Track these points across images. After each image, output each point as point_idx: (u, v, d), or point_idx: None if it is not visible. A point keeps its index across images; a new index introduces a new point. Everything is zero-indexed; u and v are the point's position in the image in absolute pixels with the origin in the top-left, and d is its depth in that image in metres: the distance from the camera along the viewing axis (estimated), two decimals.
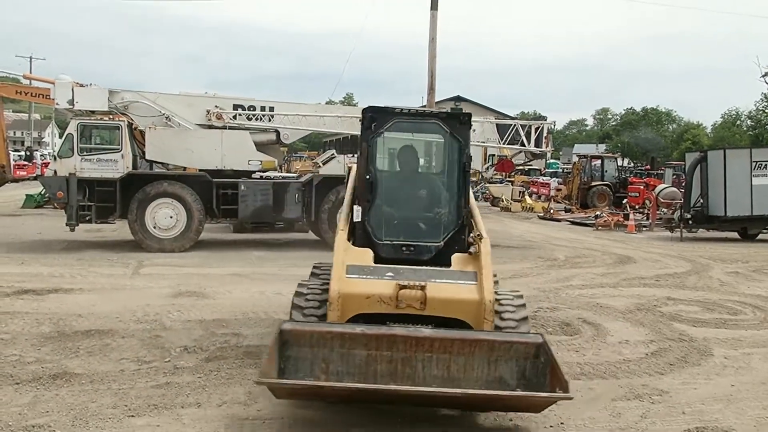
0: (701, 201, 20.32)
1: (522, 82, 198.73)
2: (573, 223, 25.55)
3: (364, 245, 6.29)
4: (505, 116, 50.15)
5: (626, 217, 24.12)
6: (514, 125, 18.19)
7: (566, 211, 30.11)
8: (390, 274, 5.96)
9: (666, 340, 8.42)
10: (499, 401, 5.36)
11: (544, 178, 41.05)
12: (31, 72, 42.18)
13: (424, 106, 23.55)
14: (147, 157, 15.74)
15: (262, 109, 16.55)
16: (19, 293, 10.01)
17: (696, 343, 8.30)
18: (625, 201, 28.98)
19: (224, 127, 16.04)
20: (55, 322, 8.35)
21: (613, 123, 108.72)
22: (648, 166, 44.96)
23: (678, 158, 54.86)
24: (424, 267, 6.10)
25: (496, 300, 5.93)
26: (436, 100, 24.59)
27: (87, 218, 14.98)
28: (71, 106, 15.36)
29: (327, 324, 5.77)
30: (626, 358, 7.63)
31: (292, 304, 6.18)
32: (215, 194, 15.43)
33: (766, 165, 20.02)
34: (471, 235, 6.34)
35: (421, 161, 7.11)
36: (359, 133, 6.70)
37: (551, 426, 5.60)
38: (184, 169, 16.21)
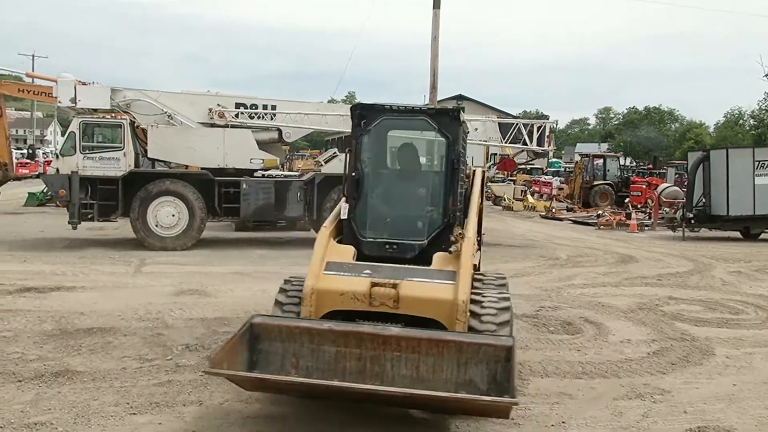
0: (704, 200, 20.29)
1: (524, 81, 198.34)
2: (575, 222, 25.52)
3: (351, 242, 6.31)
4: (508, 115, 50.11)
5: (628, 216, 24.09)
6: (517, 124, 18.16)
7: (568, 210, 30.09)
8: (368, 271, 5.97)
9: (668, 340, 8.41)
10: (450, 403, 5.07)
11: (546, 177, 41.02)
12: (33, 70, 42.27)
13: (427, 105, 23.52)
14: (149, 155, 15.76)
15: (264, 107, 16.55)
16: (21, 291, 10.03)
17: (698, 343, 8.29)
18: (627, 200, 28.96)
19: (226, 126, 16.05)
20: (57, 320, 8.36)
21: (616, 122, 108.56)
22: (650, 166, 44.89)
23: (680, 157, 54.77)
24: (404, 265, 6.02)
25: (478, 302, 5.82)
26: (438, 99, 24.55)
27: (89, 216, 15.01)
28: (74, 105, 15.37)
29: (296, 319, 5.84)
30: (628, 357, 7.63)
31: (275, 300, 6.28)
32: (217, 192, 15.45)
33: None
34: (453, 233, 6.18)
35: (410, 158, 6.95)
36: None
37: (552, 425, 5.60)
38: (186, 167, 16.22)
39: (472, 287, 6.12)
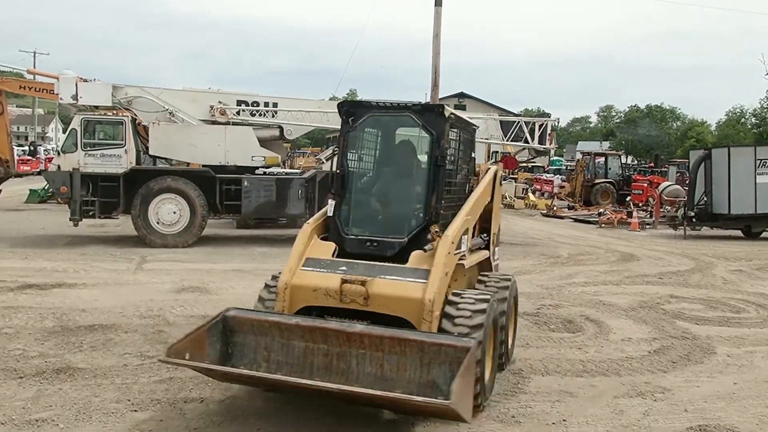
0: (705, 199, 20.29)
1: (525, 79, 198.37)
2: (576, 220, 25.53)
3: (335, 239, 6.32)
4: (509, 113, 50.03)
5: (629, 214, 24.09)
6: (518, 122, 18.16)
7: (569, 208, 30.09)
8: (343, 268, 5.96)
9: (669, 338, 8.41)
10: (388, 401, 4.92)
11: (548, 175, 41.00)
12: (34, 67, 42.32)
13: (428, 103, 23.49)
14: (150, 152, 15.76)
15: (266, 104, 16.54)
16: (22, 288, 10.04)
17: (699, 341, 8.28)
18: (628, 198, 28.94)
19: (228, 123, 16.05)
20: (58, 317, 8.37)
21: (617, 120, 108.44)
22: (652, 164, 44.90)
23: (682, 156, 54.74)
24: (380, 263, 5.97)
25: (454, 303, 5.71)
26: (440, 96, 24.51)
27: (90, 213, 15.01)
28: (75, 101, 15.37)
29: (266, 313, 5.89)
30: (629, 355, 7.63)
31: (258, 296, 6.35)
32: (218, 190, 15.45)
33: None
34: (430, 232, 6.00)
35: (395, 156, 6.85)
36: None
37: (553, 423, 5.59)
38: (188, 164, 16.23)
39: (455, 288, 6.04)
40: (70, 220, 15.01)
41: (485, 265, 7.45)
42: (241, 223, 18.77)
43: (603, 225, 23.06)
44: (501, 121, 18.41)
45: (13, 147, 17.51)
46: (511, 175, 37.54)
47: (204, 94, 16.52)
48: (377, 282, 5.72)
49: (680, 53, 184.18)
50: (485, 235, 7.54)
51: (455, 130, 6.65)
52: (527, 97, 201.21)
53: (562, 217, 26.45)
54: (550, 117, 18.32)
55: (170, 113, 15.70)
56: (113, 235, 16.81)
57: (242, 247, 15.25)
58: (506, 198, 31.05)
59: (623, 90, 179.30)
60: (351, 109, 6.54)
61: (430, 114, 6.24)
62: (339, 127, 6.66)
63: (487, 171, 7.58)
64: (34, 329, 7.81)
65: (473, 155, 7.63)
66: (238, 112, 16.23)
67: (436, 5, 23.02)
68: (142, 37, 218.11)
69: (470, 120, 7.88)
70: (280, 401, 5.68)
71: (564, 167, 52.95)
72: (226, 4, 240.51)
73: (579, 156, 40.66)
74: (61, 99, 15.52)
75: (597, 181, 31.95)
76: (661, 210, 23.97)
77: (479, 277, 7.01)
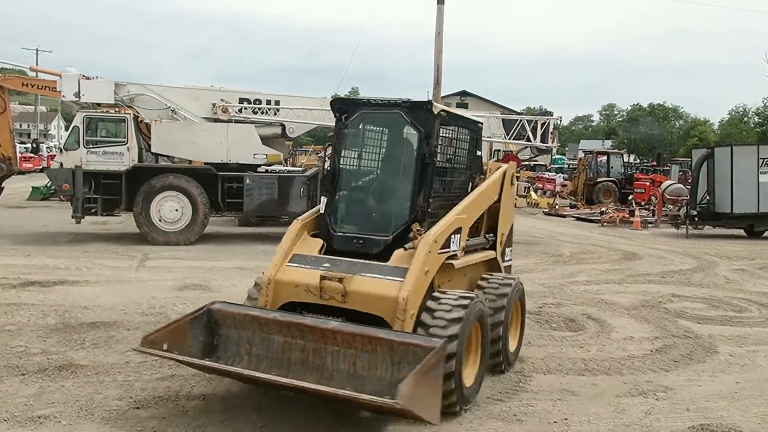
0: (708, 198, 20.26)
1: (528, 77, 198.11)
2: (578, 219, 25.52)
3: (324, 236, 6.34)
4: (512, 111, 49.96)
5: (632, 213, 24.07)
6: (520, 120, 18.13)
7: (571, 207, 30.07)
8: (326, 264, 5.98)
9: (671, 337, 8.40)
10: (347, 400, 4.86)
11: (550, 173, 40.95)
12: (37, 64, 42.28)
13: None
14: (152, 150, 15.78)
15: (268, 102, 16.54)
16: (25, 285, 10.05)
17: (701, 340, 8.28)
18: (630, 197, 28.93)
19: (230, 121, 16.06)
20: (60, 314, 8.38)
21: (620, 119, 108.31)
22: (654, 163, 44.80)
23: (684, 155, 54.65)
24: (363, 261, 5.96)
25: (429, 308, 5.57)
26: (442, 94, 24.51)
27: (93, 211, 15.04)
28: (77, 99, 15.39)
29: (248, 307, 5.99)
30: (631, 354, 7.62)
31: (247, 293, 6.41)
32: (220, 188, 15.46)
33: None
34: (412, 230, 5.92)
35: (385, 153, 6.79)
36: None
37: (555, 422, 5.59)
38: (190, 162, 16.24)
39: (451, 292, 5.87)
40: (73, 217, 15.03)
41: (493, 266, 7.31)
42: (243, 221, 18.78)
43: (605, 224, 23.05)
44: (503, 120, 18.39)
45: (16, 144, 17.53)
46: None
47: (206, 92, 16.53)
48: (355, 279, 5.73)
49: (683, 52, 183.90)
50: (491, 234, 7.34)
51: (450, 127, 6.57)
52: (530, 96, 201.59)
53: (564, 216, 26.43)
54: (552, 115, 18.30)
55: (172, 111, 15.70)
56: (115, 232, 16.83)
57: (244, 245, 15.26)
58: None
59: (626, 88, 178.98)
60: (343, 106, 6.56)
61: (418, 111, 6.19)
62: None
63: (497, 169, 7.42)
64: (36, 326, 7.83)
65: (478, 153, 7.47)
66: (240, 110, 16.23)
67: (438, 3, 23.00)
68: (145, 35, 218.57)
69: (473, 117, 7.80)
70: (282, 399, 5.68)
71: (566, 166, 52.85)
72: (228, 2, 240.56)
73: (581, 154, 40.65)
74: (63, 96, 15.54)
75: (599, 179, 31.91)
76: (664, 209, 23.93)
77: (481, 278, 6.91)
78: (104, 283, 10.55)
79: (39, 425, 5.17)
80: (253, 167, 15.89)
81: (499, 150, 31.29)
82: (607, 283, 12.14)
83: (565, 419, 5.65)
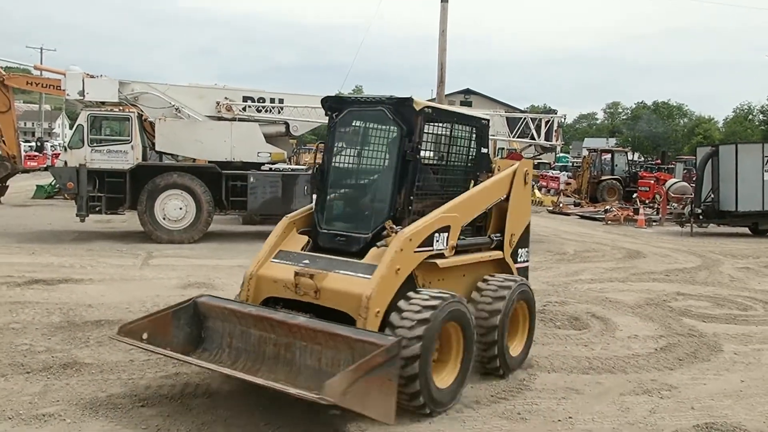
0: (712, 196, 20.21)
1: (532, 75, 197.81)
2: (582, 217, 25.46)
3: (312, 233, 6.42)
4: (515, 109, 49.95)
5: (636, 211, 24.00)
6: (524, 118, 18.10)
7: (576, 205, 29.98)
8: (306, 261, 6.06)
9: (675, 336, 8.38)
10: (288, 393, 4.79)
11: (554, 171, 40.91)
12: (41, 63, 42.38)
13: (434, 99, 23.47)
14: (157, 148, 15.78)
15: (272, 101, 16.55)
16: (29, 283, 10.08)
17: (705, 339, 8.26)
18: (635, 195, 28.84)
19: (234, 119, 16.06)
20: (65, 312, 8.41)
21: (624, 117, 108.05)
22: (658, 161, 44.70)
23: (689, 153, 54.51)
24: (342, 258, 5.97)
25: (399, 308, 5.45)
26: (446, 93, 24.46)
27: (97, 209, 15.07)
28: (82, 97, 15.42)
29: (228, 301, 6.15)
30: (635, 352, 7.61)
31: (240, 289, 6.46)
32: (224, 186, 15.48)
33: None
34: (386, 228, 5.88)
35: (370, 150, 6.74)
36: None
37: (559, 420, 5.59)
38: (194, 160, 16.25)
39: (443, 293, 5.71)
40: (77, 215, 15.06)
41: (504, 267, 7.10)
42: (246, 219, 18.79)
43: (609, 222, 23.00)
44: (507, 118, 18.36)
45: (20, 143, 17.58)
46: None
47: (210, 90, 16.53)
48: (328, 276, 5.77)
49: (688, 50, 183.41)
50: (498, 234, 7.13)
51: (440, 123, 6.53)
52: (533, 94, 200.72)
53: (568, 214, 26.38)
54: (556, 113, 18.29)
55: (176, 109, 15.73)
56: (119, 230, 16.87)
57: (248, 243, 15.26)
58: None
59: (630, 86, 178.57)
60: (333, 104, 6.61)
61: (403, 108, 6.16)
62: None
63: (507, 167, 7.28)
64: (41, 324, 7.85)
65: (483, 150, 7.34)
66: (244, 108, 16.24)
67: (442, 1, 22.95)
68: (149, 34, 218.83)
69: (477, 114, 7.75)
70: (285, 397, 5.67)
71: (570, 164, 52.81)
72: (231, 1, 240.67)
73: (585, 153, 40.56)
74: (67, 95, 15.57)
75: (603, 177, 31.83)
76: (668, 207, 23.87)
77: (482, 279, 6.69)
78: (108, 281, 10.58)
79: (44, 423, 5.18)
80: (257, 165, 15.90)
81: (503, 148, 31.24)
82: (612, 281, 12.12)
83: (570, 418, 5.64)
